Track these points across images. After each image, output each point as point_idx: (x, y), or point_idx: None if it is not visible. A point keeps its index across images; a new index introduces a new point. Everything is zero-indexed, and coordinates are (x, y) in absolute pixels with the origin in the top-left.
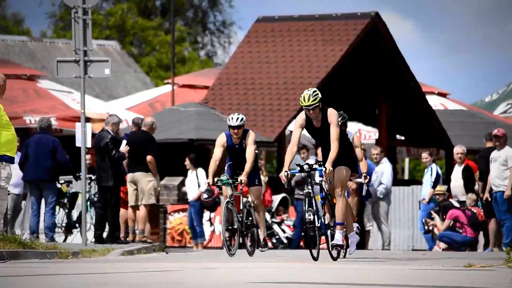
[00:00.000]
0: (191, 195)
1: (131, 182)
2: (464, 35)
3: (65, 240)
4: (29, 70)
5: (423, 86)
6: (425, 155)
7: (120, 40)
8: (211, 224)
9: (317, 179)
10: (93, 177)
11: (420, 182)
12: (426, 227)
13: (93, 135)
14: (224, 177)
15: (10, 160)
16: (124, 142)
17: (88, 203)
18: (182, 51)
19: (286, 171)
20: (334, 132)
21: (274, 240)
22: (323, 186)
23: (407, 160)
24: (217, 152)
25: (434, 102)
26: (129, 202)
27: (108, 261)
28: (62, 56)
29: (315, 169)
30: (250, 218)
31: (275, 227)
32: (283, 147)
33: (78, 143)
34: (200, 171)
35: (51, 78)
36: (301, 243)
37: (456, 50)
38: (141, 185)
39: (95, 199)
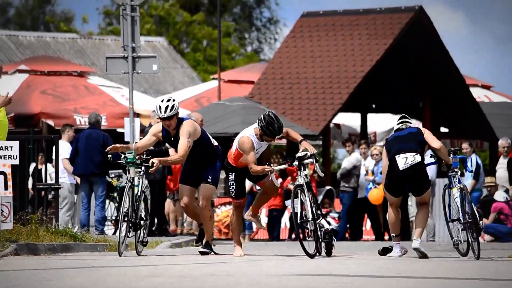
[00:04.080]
0: None
1: None
2: None
3: (114, 233)
4: (79, 67)
5: (466, 79)
6: (465, 146)
7: (164, 34)
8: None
9: None
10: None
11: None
12: None
13: (142, 130)
14: (130, 154)
15: None
16: None
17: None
18: (227, 46)
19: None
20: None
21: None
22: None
23: None
24: (146, 138)
25: (478, 94)
26: (177, 195)
27: (157, 253)
28: (111, 53)
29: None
30: (143, 209)
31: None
32: (328, 140)
33: (127, 138)
34: None
35: (101, 74)
36: (347, 235)
37: (505, 42)
38: None
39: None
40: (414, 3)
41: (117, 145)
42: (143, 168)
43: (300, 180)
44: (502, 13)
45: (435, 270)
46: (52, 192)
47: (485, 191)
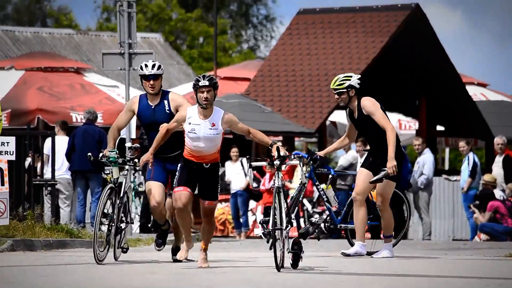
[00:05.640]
0: (238, 185)
1: None
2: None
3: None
4: (76, 63)
5: (463, 77)
6: (462, 144)
7: (160, 31)
8: (253, 213)
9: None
10: (138, 168)
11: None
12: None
13: (138, 126)
14: (112, 153)
15: None
16: None
17: (133, 193)
18: (223, 42)
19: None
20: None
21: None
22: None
23: (447, 150)
24: (121, 118)
25: (474, 92)
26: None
27: (153, 250)
28: (107, 49)
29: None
30: (123, 213)
31: (316, 216)
32: (324, 138)
33: (123, 134)
34: (245, 160)
35: (97, 70)
36: (342, 232)
37: (501, 39)
38: None
39: (140, 189)
40: (411, 1)
41: (110, 143)
42: (127, 167)
43: (278, 182)
44: (499, 12)
45: (431, 268)
46: (49, 188)
47: (481, 188)
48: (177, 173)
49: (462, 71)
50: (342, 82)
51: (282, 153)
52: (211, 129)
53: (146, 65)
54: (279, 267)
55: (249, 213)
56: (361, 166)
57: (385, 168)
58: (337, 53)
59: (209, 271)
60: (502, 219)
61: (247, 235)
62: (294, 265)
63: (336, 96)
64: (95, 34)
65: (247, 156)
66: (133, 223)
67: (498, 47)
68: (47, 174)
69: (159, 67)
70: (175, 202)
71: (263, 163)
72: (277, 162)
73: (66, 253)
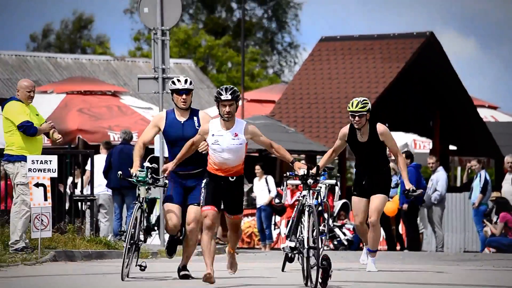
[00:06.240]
0: (262, 200)
1: None
2: None
3: (144, 241)
4: (113, 87)
5: (474, 100)
6: (474, 163)
7: (191, 57)
8: (277, 227)
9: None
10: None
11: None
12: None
13: None
14: (142, 173)
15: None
16: None
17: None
18: (251, 69)
19: None
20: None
21: (335, 242)
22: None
23: (459, 168)
24: (146, 134)
25: (485, 114)
26: None
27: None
28: (142, 74)
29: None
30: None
31: (337, 230)
32: (344, 156)
33: (157, 153)
34: (270, 178)
35: (133, 94)
36: (361, 245)
37: None
38: None
39: None
40: (427, 29)
41: (135, 167)
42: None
43: (310, 201)
44: (509, 40)
45: (444, 278)
46: (88, 203)
47: (490, 205)
48: (203, 190)
49: (474, 94)
50: (364, 105)
51: (309, 172)
52: (233, 139)
53: (178, 80)
54: (306, 279)
55: (274, 226)
56: (354, 195)
57: (414, 189)
58: (357, 77)
59: (241, 284)
60: (509, 231)
61: (272, 247)
62: (324, 283)
63: (357, 119)
64: (131, 60)
65: (285, 173)
66: (145, 241)
67: (508, 72)
68: (88, 190)
69: (191, 82)
70: (204, 220)
71: (297, 182)
72: (310, 181)
73: (104, 263)
